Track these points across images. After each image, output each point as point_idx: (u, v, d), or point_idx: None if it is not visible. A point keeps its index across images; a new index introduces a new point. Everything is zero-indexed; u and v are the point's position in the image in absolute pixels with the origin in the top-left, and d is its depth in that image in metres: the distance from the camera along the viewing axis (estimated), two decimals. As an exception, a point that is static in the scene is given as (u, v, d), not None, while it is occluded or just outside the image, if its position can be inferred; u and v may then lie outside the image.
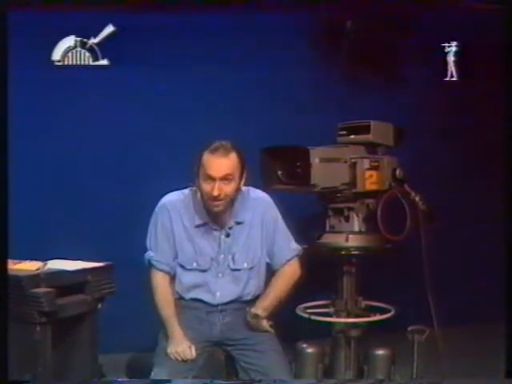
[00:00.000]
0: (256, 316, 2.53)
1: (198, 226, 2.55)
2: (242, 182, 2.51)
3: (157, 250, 2.58)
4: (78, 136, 3.80)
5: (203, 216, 2.54)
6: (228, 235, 2.56)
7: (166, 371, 2.43)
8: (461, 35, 4.26)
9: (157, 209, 2.60)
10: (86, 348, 2.68)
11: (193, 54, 3.88)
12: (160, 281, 2.57)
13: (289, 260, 2.64)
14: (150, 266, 2.59)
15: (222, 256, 2.56)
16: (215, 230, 2.56)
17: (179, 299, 2.61)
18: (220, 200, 2.44)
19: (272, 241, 2.62)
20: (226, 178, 2.41)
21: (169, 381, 2.40)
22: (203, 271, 2.56)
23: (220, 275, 2.56)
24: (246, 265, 2.57)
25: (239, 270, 2.56)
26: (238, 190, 2.50)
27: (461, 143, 4.34)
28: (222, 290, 2.56)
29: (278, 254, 2.63)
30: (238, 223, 2.57)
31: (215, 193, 2.40)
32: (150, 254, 2.59)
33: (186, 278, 2.58)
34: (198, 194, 2.54)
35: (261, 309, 2.56)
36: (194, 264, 2.55)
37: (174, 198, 2.60)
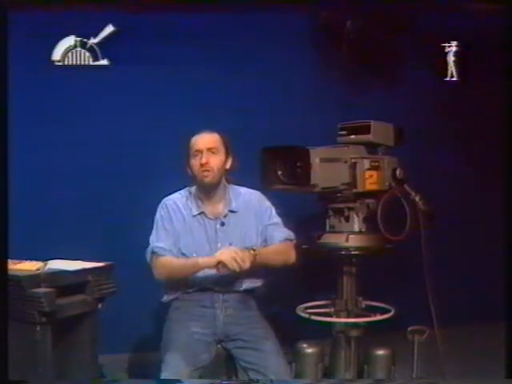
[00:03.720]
0: (250, 249, 2.53)
1: (195, 216, 2.68)
2: (229, 164, 2.67)
3: (159, 240, 2.65)
4: (77, 136, 3.80)
5: (199, 206, 2.69)
6: (223, 224, 2.67)
7: (173, 370, 2.44)
8: (461, 35, 4.26)
9: (159, 207, 2.72)
10: (86, 348, 2.68)
11: (193, 54, 3.88)
12: (166, 260, 2.61)
13: (283, 239, 2.69)
14: (154, 254, 2.63)
15: (220, 244, 2.63)
16: (211, 219, 2.67)
17: (183, 294, 2.67)
18: (208, 170, 2.60)
19: (265, 229, 2.71)
20: (211, 150, 2.61)
21: (172, 381, 2.41)
22: None
23: None
24: None
25: None
26: (224, 167, 2.65)
27: (461, 143, 4.34)
28: (222, 278, 2.59)
29: (270, 237, 2.70)
30: (232, 212, 2.69)
31: (203, 160, 2.59)
32: (152, 244, 2.66)
33: None
34: (194, 189, 2.71)
35: (257, 249, 2.58)
36: (194, 255, 2.62)
37: (173, 197, 2.75)
